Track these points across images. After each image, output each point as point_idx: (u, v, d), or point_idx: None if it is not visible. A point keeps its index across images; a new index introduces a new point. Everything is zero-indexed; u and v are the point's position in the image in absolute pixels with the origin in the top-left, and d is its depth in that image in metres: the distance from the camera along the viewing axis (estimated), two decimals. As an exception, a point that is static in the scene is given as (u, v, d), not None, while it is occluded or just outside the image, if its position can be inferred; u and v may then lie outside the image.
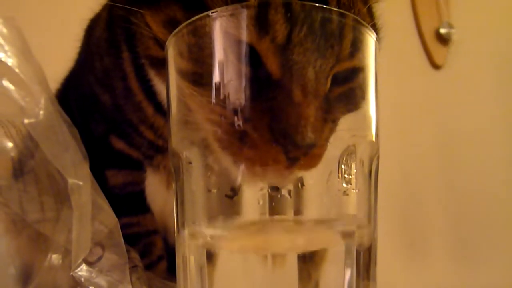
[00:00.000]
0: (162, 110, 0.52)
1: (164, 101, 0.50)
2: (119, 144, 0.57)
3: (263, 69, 0.33)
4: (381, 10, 0.43)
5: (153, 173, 0.59)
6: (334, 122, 0.35)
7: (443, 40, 1.53)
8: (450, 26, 1.53)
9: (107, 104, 0.56)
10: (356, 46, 0.35)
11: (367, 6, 0.40)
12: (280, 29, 0.33)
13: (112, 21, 0.54)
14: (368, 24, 0.36)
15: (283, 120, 0.32)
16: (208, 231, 0.34)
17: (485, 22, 1.59)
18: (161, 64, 0.38)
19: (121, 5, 0.48)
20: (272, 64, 0.33)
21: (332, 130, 0.35)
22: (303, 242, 0.35)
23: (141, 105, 0.53)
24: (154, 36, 0.43)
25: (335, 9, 0.34)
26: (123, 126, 0.56)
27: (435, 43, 1.53)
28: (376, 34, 0.37)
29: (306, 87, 0.32)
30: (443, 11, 1.54)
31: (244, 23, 0.33)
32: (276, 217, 0.33)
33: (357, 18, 0.34)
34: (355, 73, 0.36)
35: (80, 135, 0.51)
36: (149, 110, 0.53)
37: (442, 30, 1.53)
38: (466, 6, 1.56)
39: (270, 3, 0.33)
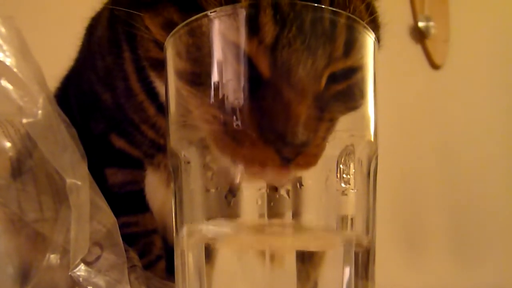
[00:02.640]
0: (164, 111, 0.52)
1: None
2: (119, 143, 0.57)
3: (255, 69, 0.33)
4: (380, 8, 0.43)
5: (153, 172, 0.59)
6: (332, 121, 0.35)
7: (422, 34, 1.52)
8: (428, 19, 1.52)
9: (108, 103, 0.56)
10: (351, 45, 0.34)
11: (365, 3, 0.39)
12: (269, 30, 0.33)
13: (114, 20, 0.54)
14: (366, 21, 0.36)
15: (275, 119, 0.32)
16: (206, 231, 0.35)
17: (484, 21, 1.60)
18: (161, 66, 0.39)
19: (121, 9, 0.48)
20: (262, 65, 0.33)
21: (329, 130, 0.35)
22: (301, 242, 0.35)
23: (143, 105, 0.54)
24: (154, 38, 0.44)
25: (327, 7, 0.34)
26: (124, 124, 0.56)
27: (435, 42, 1.53)
28: (377, 31, 0.37)
29: (296, 86, 0.32)
30: (418, 5, 1.53)
31: (235, 24, 0.33)
32: (275, 220, 0.33)
33: (352, 16, 0.34)
34: (352, 72, 0.35)
35: (79, 134, 0.51)
36: (151, 110, 0.54)
37: (420, 24, 1.52)
38: (465, 5, 1.57)
39: (260, 5, 0.33)
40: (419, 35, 1.53)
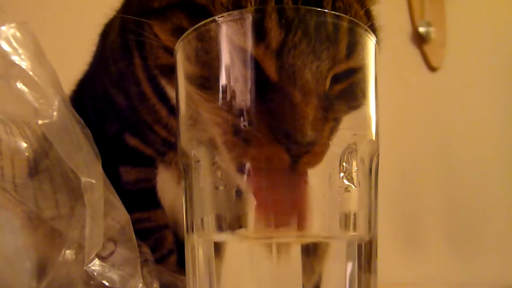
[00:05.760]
0: (175, 113, 0.53)
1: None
2: (133, 142, 0.58)
3: (262, 73, 0.34)
4: (378, 11, 0.43)
5: (165, 170, 0.60)
6: (336, 120, 0.36)
7: (421, 38, 1.53)
8: (428, 24, 1.52)
9: (121, 105, 0.57)
10: (354, 48, 0.35)
11: (365, 8, 0.40)
12: (274, 35, 0.34)
13: (125, 28, 0.55)
14: (366, 25, 0.37)
15: (284, 120, 0.33)
16: (215, 226, 0.35)
17: (481, 23, 1.60)
18: (171, 72, 0.39)
19: (130, 17, 0.49)
20: (269, 69, 0.34)
21: (334, 129, 0.35)
22: (306, 235, 0.36)
23: (155, 108, 0.55)
24: (163, 45, 0.44)
25: (330, 11, 0.34)
26: (138, 125, 0.57)
27: (432, 46, 1.54)
28: (374, 34, 0.38)
29: (303, 88, 0.33)
30: (417, 11, 1.54)
31: (242, 29, 0.34)
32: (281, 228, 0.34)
33: (353, 19, 0.35)
34: (353, 71, 0.36)
35: (94, 134, 0.51)
36: (163, 112, 0.55)
37: (421, 29, 1.52)
38: (461, 10, 1.57)
39: (265, 10, 0.34)
40: (418, 39, 1.53)
